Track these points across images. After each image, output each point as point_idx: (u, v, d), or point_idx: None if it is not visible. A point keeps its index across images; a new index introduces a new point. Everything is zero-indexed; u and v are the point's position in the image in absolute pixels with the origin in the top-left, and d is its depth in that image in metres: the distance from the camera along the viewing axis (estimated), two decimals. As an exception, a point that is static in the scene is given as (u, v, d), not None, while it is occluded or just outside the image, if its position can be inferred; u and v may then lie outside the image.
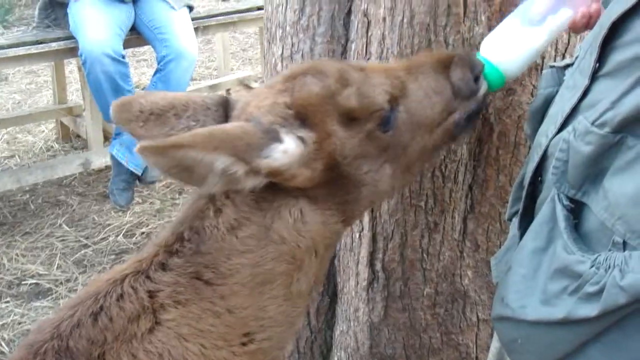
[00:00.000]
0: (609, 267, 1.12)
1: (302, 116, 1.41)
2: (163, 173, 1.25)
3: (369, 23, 1.96)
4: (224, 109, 1.53)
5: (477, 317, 2.14)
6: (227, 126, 1.37)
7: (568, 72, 1.41)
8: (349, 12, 2.05)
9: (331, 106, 1.43)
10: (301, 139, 1.40)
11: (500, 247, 1.78)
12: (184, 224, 1.44)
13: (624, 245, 1.13)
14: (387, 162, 1.51)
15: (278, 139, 1.36)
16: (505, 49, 1.63)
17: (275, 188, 1.39)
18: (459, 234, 2.06)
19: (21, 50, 4.40)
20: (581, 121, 1.20)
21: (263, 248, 1.42)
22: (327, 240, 1.51)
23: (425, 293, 2.13)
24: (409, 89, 1.54)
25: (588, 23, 1.50)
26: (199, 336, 1.39)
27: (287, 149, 1.36)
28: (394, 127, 1.50)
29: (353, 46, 2.03)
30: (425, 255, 2.08)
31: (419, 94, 1.55)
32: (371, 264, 2.14)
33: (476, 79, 1.60)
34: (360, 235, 2.15)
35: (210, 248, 1.41)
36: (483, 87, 1.61)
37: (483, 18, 1.83)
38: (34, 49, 4.44)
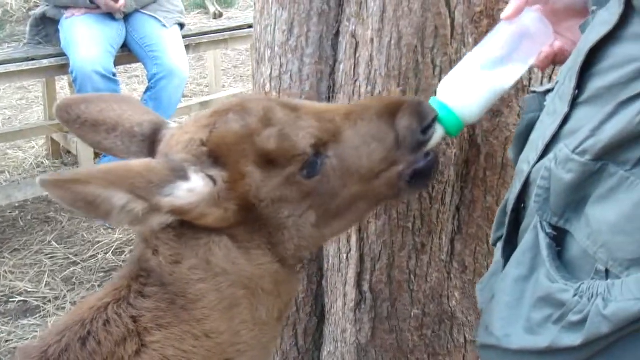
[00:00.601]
0: (592, 295, 1.12)
1: (215, 154, 1.39)
2: (69, 207, 1.25)
3: (357, 44, 1.97)
4: (151, 142, 1.52)
5: (465, 338, 2.13)
6: (132, 163, 1.34)
7: (549, 97, 1.41)
8: (337, 34, 2.06)
9: (248, 146, 1.40)
10: (211, 178, 1.37)
11: (487, 269, 1.77)
12: (137, 263, 1.46)
13: (607, 273, 1.13)
14: (312, 208, 1.46)
15: (185, 177, 1.34)
16: (463, 92, 1.55)
17: (195, 226, 1.39)
18: (446, 255, 2.05)
19: (12, 67, 4.42)
20: (562, 149, 1.20)
21: (214, 278, 1.41)
22: (268, 279, 1.47)
23: (412, 314, 2.12)
24: (343, 134, 1.47)
25: (554, 60, 1.50)
26: (184, 357, 1.41)
27: (194, 188, 1.34)
28: (321, 174, 1.44)
29: (341, 67, 2.04)
30: (412, 276, 2.08)
31: (355, 140, 1.48)
32: (359, 285, 2.14)
33: (425, 130, 1.51)
34: (347, 256, 2.15)
35: (170, 280, 1.41)
36: (434, 139, 1.53)
37: (470, 40, 1.84)
38: (25, 66, 4.46)
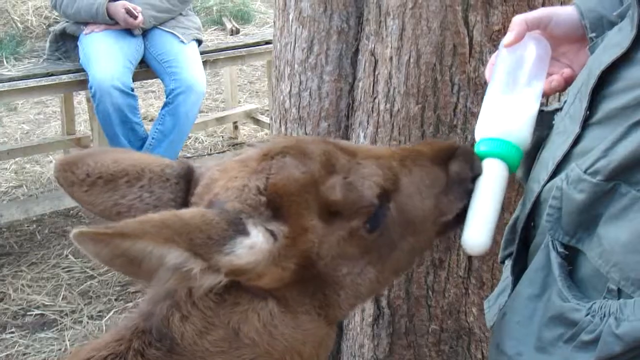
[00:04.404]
0: (604, 315, 1.12)
1: (275, 205, 1.19)
2: (104, 263, 1.06)
3: (376, 62, 1.99)
4: (186, 182, 1.32)
5: (482, 354, 2.14)
6: (186, 213, 1.12)
7: (557, 116, 1.41)
8: (357, 51, 2.09)
9: (312, 196, 1.22)
10: (271, 233, 1.17)
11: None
12: (150, 320, 1.25)
13: (619, 292, 1.13)
14: (371, 264, 1.30)
15: (244, 232, 1.14)
16: (504, 121, 1.45)
17: (239, 287, 1.20)
18: (464, 271, 2.07)
19: (32, 82, 4.47)
20: (574, 169, 1.20)
21: (237, 349, 1.22)
22: (310, 344, 1.28)
23: (430, 330, 2.13)
24: (401, 182, 1.34)
25: (563, 88, 1.50)
26: None
27: (254, 245, 1.14)
28: (382, 227, 1.29)
29: (360, 85, 2.06)
30: (430, 292, 2.09)
31: (411, 189, 1.35)
32: (376, 300, 2.15)
33: (474, 179, 1.40)
34: (365, 271, 2.16)
35: (183, 350, 1.22)
36: (501, 182, 1.40)
37: (489, 58, 1.86)
38: (44, 81, 4.51)
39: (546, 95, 1.54)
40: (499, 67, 1.52)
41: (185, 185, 1.32)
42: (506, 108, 1.46)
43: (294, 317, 1.24)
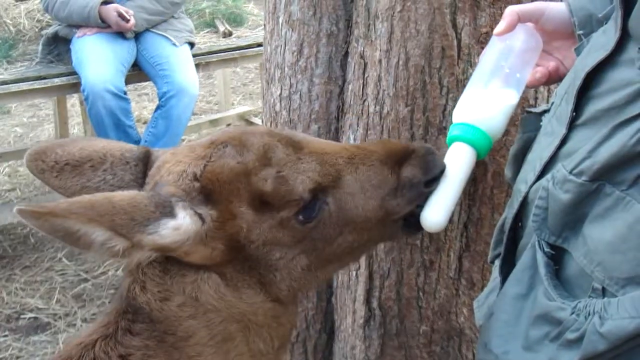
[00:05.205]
0: (589, 314, 1.13)
1: (207, 191, 1.30)
2: (49, 235, 1.18)
3: (365, 65, 2.00)
4: (144, 164, 1.44)
5: (473, 354, 2.14)
6: (116, 196, 1.23)
7: (545, 118, 1.43)
8: (346, 54, 2.10)
9: (243, 185, 1.31)
10: (199, 216, 1.29)
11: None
12: (123, 299, 1.37)
13: (603, 291, 1.14)
14: (304, 253, 1.38)
15: (171, 214, 1.25)
16: (480, 108, 1.49)
17: (180, 261, 1.31)
18: (454, 272, 2.07)
19: (24, 86, 4.47)
20: (560, 169, 1.22)
21: (204, 314, 1.33)
22: (261, 314, 1.39)
23: (421, 331, 2.14)
24: (343, 179, 1.39)
25: (548, 80, 1.52)
26: None
27: (179, 226, 1.25)
28: (317, 219, 1.36)
29: (350, 87, 2.07)
30: (421, 293, 2.10)
31: (354, 187, 1.40)
32: (368, 301, 2.16)
33: (429, 183, 1.44)
34: (357, 274, 2.17)
35: (159, 317, 1.33)
36: (466, 165, 1.46)
37: (477, 60, 1.87)
38: (37, 84, 4.50)
39: (530, 87, 1.56)
40: (486, 54, 1.56)
41: (143, 167, 1.44)
42: (484, 96, 1.49)
43: (235, 289, 1.35)
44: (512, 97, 1.50)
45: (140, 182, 1.42)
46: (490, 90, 1.50)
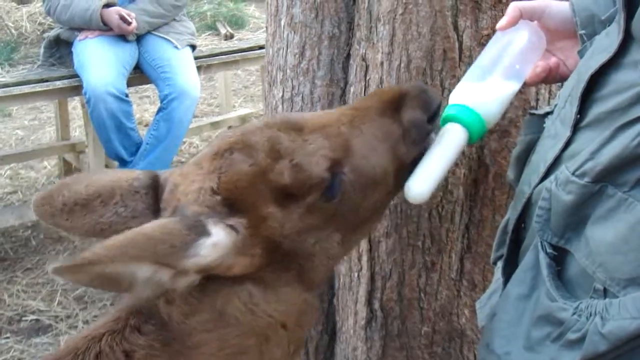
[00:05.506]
0: (590, 314, 1.14)
1: (230, 201, 1.28)
2: (88, 287, 1.14)
3: (367, 67, 2.01)
4: (154, 190, 1.40)
5: (475, 356, 2.15)
6: (147, 228, 1.18)
7: (548, 120, 1.43)
8: (348, 57, 2.10)
9: (263, 185, 1.29)
10: (232, 227, 1.26)
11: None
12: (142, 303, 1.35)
13: (605, 292, 1.15)
14: (336, 229, 1.38)
15: (205, 233, 1.21)
16: (477, 92, 1.48)
17: (217, 276, 1.28)
18: (456, 273, 2.08)
19: (26, 88, 4.47)
20: (563, 171, 1.23)
21: (223, 329, 1.32)
22: (294, 314, 1.39)
23: (422, 332, 2.14)
24: (353, 146, 1.38)
25: (548, 77, 1.52)
26: None
27: (217, 242, 1.22)
28: (341, 193, 1.35)
29: (352, 89, 2.08)
30: (422, 294, 2.10)
31: (364, 149, 1.39)
32: (369, 303, 2.16)
33: (432, 119, 1.45)
34: (358, 275, 2.17)
35: (172, 328, 1.32)
36: (456, 144, 1.45)
37: (478, 63, 1.88)
38: (38, 87, 4.50)
39: (531, 84, 1.56)
40: (488, 47, 1.57)
41: (153, 193, 1.39)
42: (483, 83, 1.49)
43: (274, 292, 1.34)
44: (510, 86, 1.50)
45: (153, 208, 1.38)
46: (488, 78, 1.50)
